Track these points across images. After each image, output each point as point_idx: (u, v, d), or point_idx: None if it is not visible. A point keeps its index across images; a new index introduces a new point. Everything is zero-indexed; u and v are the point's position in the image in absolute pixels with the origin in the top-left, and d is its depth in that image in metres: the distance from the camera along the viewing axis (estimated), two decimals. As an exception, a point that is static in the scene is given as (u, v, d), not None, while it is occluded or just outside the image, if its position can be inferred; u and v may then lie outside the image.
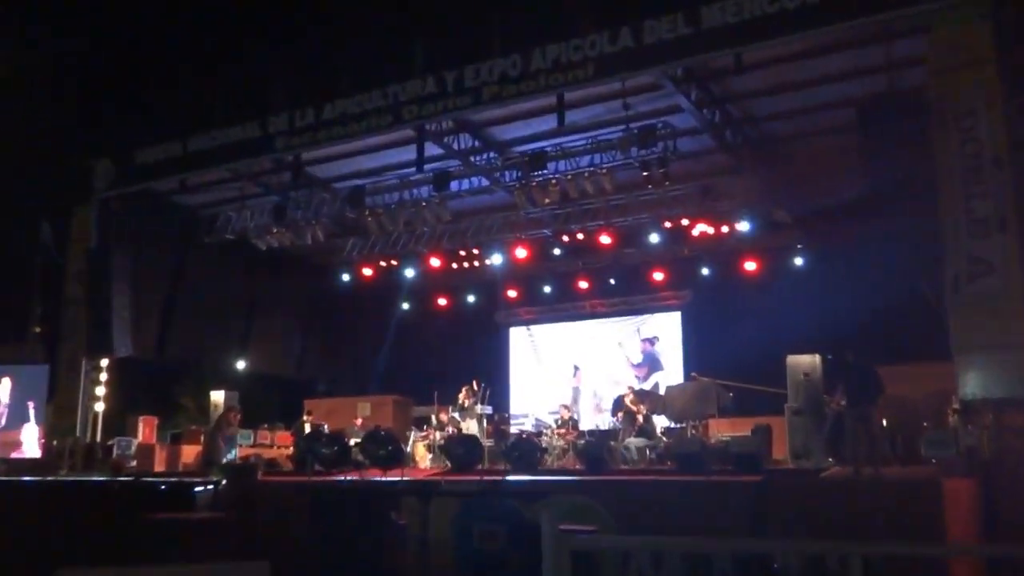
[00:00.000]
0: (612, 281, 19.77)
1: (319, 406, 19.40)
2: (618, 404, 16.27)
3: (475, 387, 16.77)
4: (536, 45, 12.64)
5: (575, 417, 16.95)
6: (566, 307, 20.93)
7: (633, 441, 14.72)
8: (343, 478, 12.00)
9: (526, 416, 18.99)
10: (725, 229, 16.84)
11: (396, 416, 19.15)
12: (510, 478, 11.96)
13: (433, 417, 16.62)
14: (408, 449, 15.44)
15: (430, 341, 21.48)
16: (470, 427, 16.07)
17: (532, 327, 21.64)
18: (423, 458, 16.01)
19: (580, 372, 19.67)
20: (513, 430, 17.49)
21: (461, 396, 16.74)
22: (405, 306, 21.57)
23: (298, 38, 19.04)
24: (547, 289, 20.41)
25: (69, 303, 17.29)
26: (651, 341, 19.67)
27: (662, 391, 17.10)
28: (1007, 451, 9.37)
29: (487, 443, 15.29)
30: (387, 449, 12.20)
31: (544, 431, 16.33)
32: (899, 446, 13.03)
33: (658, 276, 19.07)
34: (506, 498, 9.25)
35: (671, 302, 19.64)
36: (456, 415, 16.45)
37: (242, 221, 17.23)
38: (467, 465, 12.91)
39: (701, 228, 16.89)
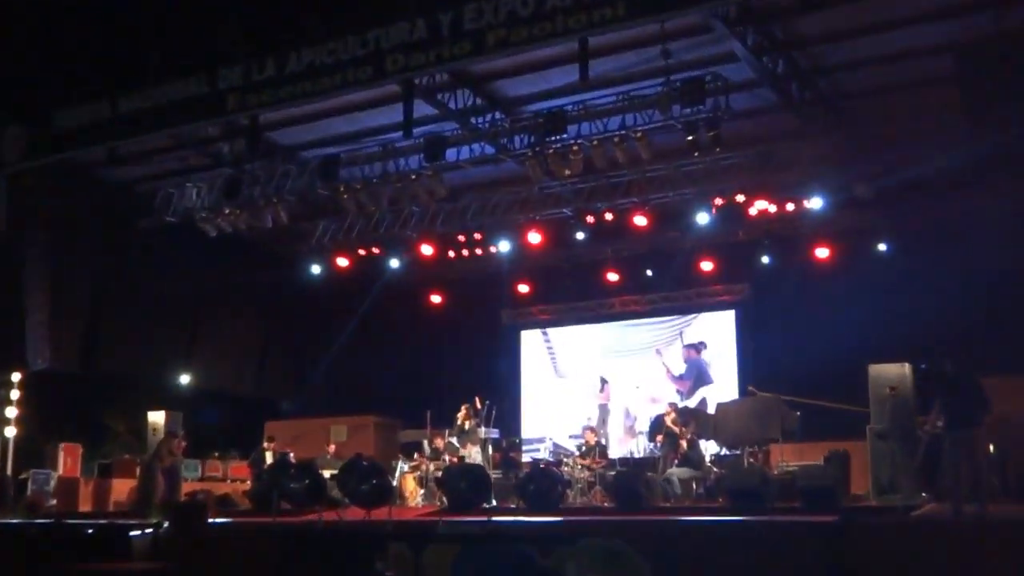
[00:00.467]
0: (649, 272, 19.82)
1: (283, 429, 19.56)
2: (657, 426, 16.33)
3: (478, 405, 16.85)
4: (553, -23, 12.67)
5: (603, 442, 17.02)
6: (591, 305, 20.98)
7: (676, 472, 14.80)
8: (316, 519, 12.11)
9: (542, 441, 19.06)
10: (790, 207, 16.87)
11: (379, 442, 19.32)
12: (523, 519, 12.05)
13: (425, 443, 16.73)
14: (395, 483, 15.54)
15: (421, 348, 21.55)
16: (472, 455, 16.16)
17: (548, 330, 21.71)
18: (413, 494, 16.13)
19: (608, 386, 19.75)
20: (526, 459, 17.59)
21: (460, 416, 16.83)
22: (389, 305, 21.63)
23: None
24: (567, 283, 20.46)
25: (-28, 304, 17.45)
26: (697, 347, 19.71)
27: (711, 409, 17.15)
28: None
29: (494, 475, 15.40)
30: (370, 483, 12.28)
31: (565, 460, 16.41)
32: (1010, 478, 13.05)
33: (706, 266, 19.08)
34: (518, 544, 9.33)
35: (723, 298, 19.70)
36: (454, 440, 16.54)
37: (186, 200, 17.34)
38: (469, 503, 12.98)
39: (760, 206, 16.93)
